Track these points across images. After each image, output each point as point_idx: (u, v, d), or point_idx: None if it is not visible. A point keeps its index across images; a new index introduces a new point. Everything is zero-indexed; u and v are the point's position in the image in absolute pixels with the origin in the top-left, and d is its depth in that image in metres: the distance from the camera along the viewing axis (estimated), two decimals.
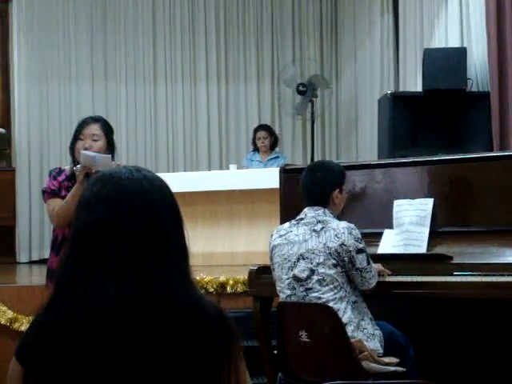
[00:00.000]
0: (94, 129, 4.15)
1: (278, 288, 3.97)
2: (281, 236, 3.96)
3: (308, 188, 3.99)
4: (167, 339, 1.66)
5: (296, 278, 3.83)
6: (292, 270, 3.85)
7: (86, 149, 4.05)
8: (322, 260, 3.77)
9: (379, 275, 3.97)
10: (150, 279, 1.68)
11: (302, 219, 3.93)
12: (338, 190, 3.98)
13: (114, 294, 1.65)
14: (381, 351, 3.77)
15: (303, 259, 3.82)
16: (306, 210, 3.96)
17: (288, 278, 3.87)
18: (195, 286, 1.77)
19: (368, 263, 3.81)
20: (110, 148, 4.18)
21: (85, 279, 1.67)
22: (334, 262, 3.76)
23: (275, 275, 3.99)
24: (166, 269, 1.70)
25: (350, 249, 3.76)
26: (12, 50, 9.57)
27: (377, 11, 8.79)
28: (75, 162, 4.13)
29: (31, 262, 9.37)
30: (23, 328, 5.15)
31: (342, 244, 3.76)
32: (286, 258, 3.89)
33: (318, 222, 3.86)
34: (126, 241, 1.69)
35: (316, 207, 3.92)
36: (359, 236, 3.82)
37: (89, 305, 1.65)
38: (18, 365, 1.69)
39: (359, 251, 3.78)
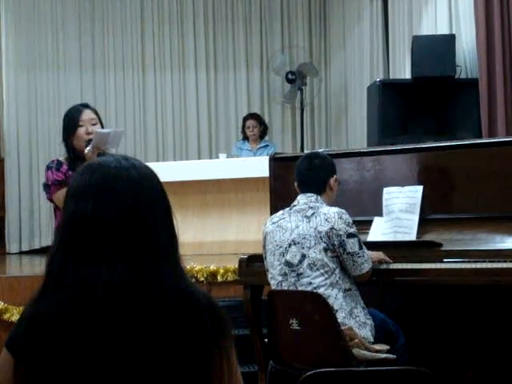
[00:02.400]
0: (90, 114, 4.18)
1: (269, 275, 3.97)
2: (273, 223, 3.97)
3: (305, 174, 4.00)
4: (158, 326, 1.66)
5: (288, 264, 3.84)
6: (284, 256, 3.86)
7: (88, 133, 4.06)
8: (312, 244, 3.78)
9: (381, 263, 3.98)
10: (140, 266, 1.68)
11: (294, 206, 3.95)
12: (334, 176, 4.00)
13: (104, 281, 1.65)
14: (371, 340, 3.78)
15: (295, 244, 3.83)
16: (299, 197, 3.97)
17: (280, 264, 3.88)
18: (185, 274, 1.77)
19: (360, 248, 3.81)
20: None
21: (75, 268, 1.67)
22: (324, 245, 3.77)
23: (267, 262, 4.00)
24: (155, 256, 1.70)
25: (340, 233, 3.77)
26: (0, 38, 9.52)
27: None
28: (72, 152, 4.11)
29: (21, 253, 9.35)
30: (14, 319, 5.14)
31: (332, 228, 3.77)
32: (278, 245, 3.90)
33: (310, 208, 3.88)
34: (115, 229, 1.69)
35: (309, 194, 3.94)
36: (350, 221, 3.83)
37: (79, 293, 1.65)
38: (8, 356, 1.68)
39: (350, 235, 3.79)
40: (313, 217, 3.84)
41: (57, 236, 1.74)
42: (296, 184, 4.03)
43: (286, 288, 3.85)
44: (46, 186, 4.14)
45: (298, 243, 3.82)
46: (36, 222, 9.45)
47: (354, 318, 3.77)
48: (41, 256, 8.42)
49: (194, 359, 1.67)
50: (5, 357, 1.69)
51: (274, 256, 3.92)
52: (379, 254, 4.01)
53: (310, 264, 3.78)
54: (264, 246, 4.04)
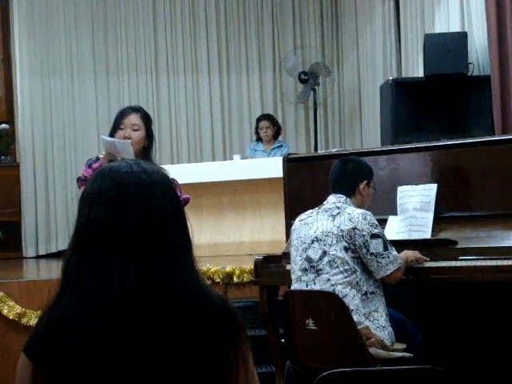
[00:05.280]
0: (134, 118, 4.18)
1: (291, 270, 4.01)
2: (301, 220, 4.02)
3: (336, 176, 4.04)
4: (173, 330, 1.67)
5: (308, 259, 3.87)
6: (306, 252, 3.89)
7: (126, 138, 4.09)
8: (334, 242, 3.80)
9: (418, 262, 3.97)
10: (153, 271, 1.69)
11: (323, 205, 3.98)
12: (365, 181, 4.02)
13: (117, 286, 1.67)
14: (388, 343, 3.76)
15: (317, 241, 3.85)
16: (329, 197, 4.00)
17: (301, 259, 3.91)
18: (200, 277, 1.78)
19: (385, 249, 3.79)
20: (149, 139, 4.22)
21: (89, 274, 1.69)
22: (345, 244, 3.78)
23: (290, 257, 4.03)
24: (168, 260, 1.71)
25: (364, 233, 3.77)
26: (14, 44, 9.56)
27: None
28: None
29: (38, 257, 9.39)
30: (31, 323, 5.17)
31: (355, 228, 3.78)
32: (302, 241, 3.93)
33: (337, 207, 3.91)
34: (127, 234, 1.70)
35: (339, 195, 3.97)
36: (374, 222, 3.83)
37: (94, 299, 1.67)
38: (27, 360, 1.70)
39: (374, 236, 3.78)
40: (338, 216, 3.86)
41: (71, 241, 1.76)
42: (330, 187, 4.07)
43: (304, 283, 3.87)
44: (77, 180, 4.26)
45: (321, 240, 3.84)
46: (52, 225, 9.50)
47: (372, 321, 3.75)
48: (57, 260, 8.45)
49: (211, 362, 1.69)
50: (23, 361, 1.71)
51: (296, 251, 3.96)
52: (415, 253, 3.98)
53: (329, 261, 3.79)
54: (290, 242, 4.07)
